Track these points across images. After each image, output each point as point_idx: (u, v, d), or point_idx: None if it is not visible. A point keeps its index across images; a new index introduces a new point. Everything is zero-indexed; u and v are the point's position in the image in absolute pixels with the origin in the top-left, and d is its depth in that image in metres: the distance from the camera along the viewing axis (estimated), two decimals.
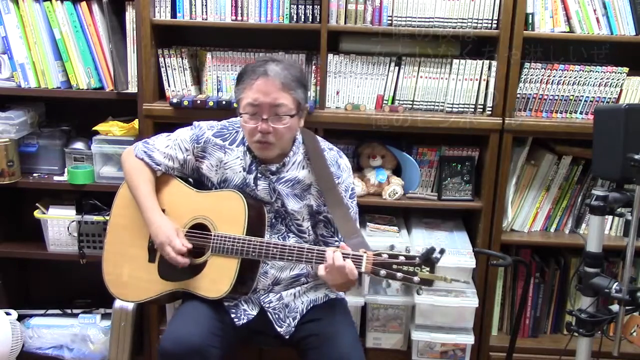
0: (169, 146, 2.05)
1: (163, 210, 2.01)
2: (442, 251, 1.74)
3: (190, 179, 2.11)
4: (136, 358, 2.67)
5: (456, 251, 2.45)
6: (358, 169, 2.63)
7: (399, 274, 1.73)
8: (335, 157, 2.05)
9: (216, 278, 1.92)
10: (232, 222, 1.93)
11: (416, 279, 1.72)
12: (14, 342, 2.57)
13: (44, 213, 2.64)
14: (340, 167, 2.04)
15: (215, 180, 2.04)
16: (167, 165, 2.04)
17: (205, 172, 2.04)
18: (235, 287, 1.90)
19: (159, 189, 2.05)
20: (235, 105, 1.98)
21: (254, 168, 2.00)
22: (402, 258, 1.75)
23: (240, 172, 2.01)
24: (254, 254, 1.89)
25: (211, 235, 1.95)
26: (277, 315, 2.00)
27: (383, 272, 1.75)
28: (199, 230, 1.98)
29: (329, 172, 2.00)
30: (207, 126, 2.05)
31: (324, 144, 2.08)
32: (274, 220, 2.02)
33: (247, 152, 2.00)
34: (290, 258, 1.87)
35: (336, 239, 2.05)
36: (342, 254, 1.79)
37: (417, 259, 1.73)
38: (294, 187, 2.01)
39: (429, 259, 1.72)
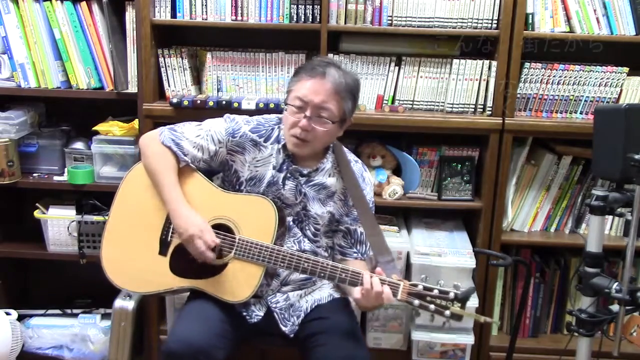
0: (201, 136, 1.98)
1: None
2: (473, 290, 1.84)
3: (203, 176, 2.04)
4: (136, 358, 2.67)
5: (456, 251, 2.45)
6: None
7: (432, 306, 1.75)
8: (361, 170, 2.07)
9: (237, 282, 1.89)
10: (260, 228, 1.89)
11: (447, 312, 1.75)
12: (14, 342, 2.57)
13: (44, 213, 2.64)
14: (364, 181, 2.06)
15: (245, 176, 2.00)
16: (194, 155, 1.97)
17: (237, 167, 2.01)
18: (254, 294, 1.90)
19: (180, 181, 1.97)
20: (285, 95, 1.99)
21: (284, 167, 1.99)
22: (436, 292, 1.76)
23: (270, 169, 1.99)
24: (282, 265, 1.87)
25: (235, 238, 1.91)
26: (282, 315, 2.00)
27: (417, 302, 1.77)
28: (219, 230, 1.93)
29: (357, 183, 2.01)
30: (243, 121, 2.02)
31: (350, 155, 2.09)
32: (291, 223, 2.01)
33: (281, 150, 1.99)
34: (322, 274, 1.85)
35: (355, 250, 2.05)
36: (380, 279, 1.79)
37: (452, 294, 1.75)
38: (319, 192, 2.01)
39: (465, 298, 1.75)
